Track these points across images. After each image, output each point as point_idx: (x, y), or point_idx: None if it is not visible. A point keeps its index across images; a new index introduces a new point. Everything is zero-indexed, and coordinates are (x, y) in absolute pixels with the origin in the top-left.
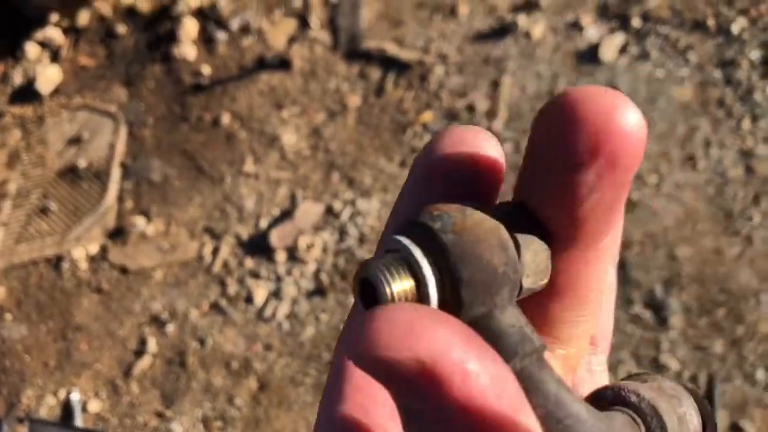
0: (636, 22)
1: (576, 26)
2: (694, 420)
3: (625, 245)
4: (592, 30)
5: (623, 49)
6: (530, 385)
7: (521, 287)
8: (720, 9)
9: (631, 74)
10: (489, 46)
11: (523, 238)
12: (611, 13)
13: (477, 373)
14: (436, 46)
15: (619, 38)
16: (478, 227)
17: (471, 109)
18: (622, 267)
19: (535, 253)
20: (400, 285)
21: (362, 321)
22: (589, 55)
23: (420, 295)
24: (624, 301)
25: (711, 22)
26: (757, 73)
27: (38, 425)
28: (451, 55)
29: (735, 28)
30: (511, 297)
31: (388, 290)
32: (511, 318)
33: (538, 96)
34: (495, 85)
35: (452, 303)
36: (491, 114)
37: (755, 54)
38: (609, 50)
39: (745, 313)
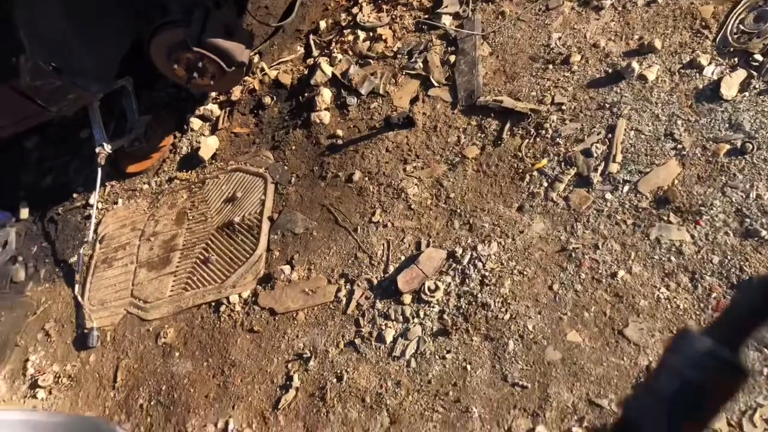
0: (759, 57)
1: (693, 65)
2: None
3: None
4: (711, 68)
5: (746, 85)
6: None
7: None
8: None
9: (755, 110)
10: (603, 91)
11: None
12: (731, 49)
13: None
14: (551, 96)
15: (740, 74)
16: None
17: (587, 153)
18: None
19: None
20: None
21: None
22: (709, 94)
23: None
24: None
25: None
26: None
27: None
28: (566, 103)
29: None
30: None
31: None
32: None
33: (656, 138)
34: (611, 129)
35: None
36: (607, 158)
37: None
38: (730, 87)
39: None
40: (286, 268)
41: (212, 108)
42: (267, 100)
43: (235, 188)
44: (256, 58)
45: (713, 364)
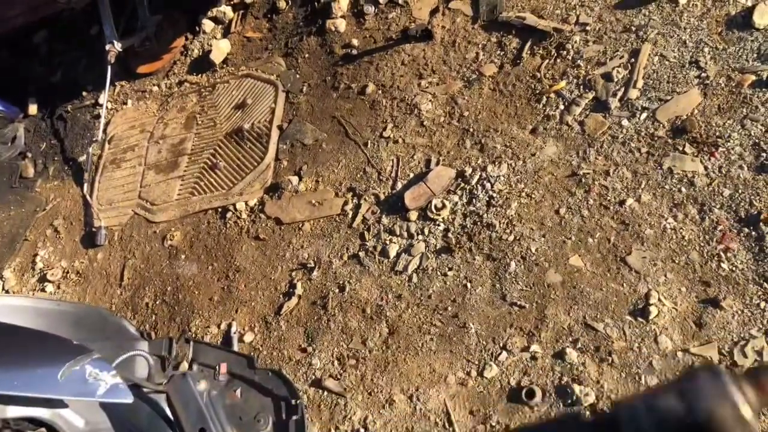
0: None
1: None
2: None
3: None
4: None
5: None
6: None
7: None
8: None
9: None
10: (631, 13)
11: None
12: None
13: None
14: (576, 15)
15: None
16: None
17: (607, 77)
18: (761, 241)
19: None
20: None
21: None
22: (740, 21)
23: None
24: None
25: None
26: None
27: (200, 345)
28: (591, 24)
29: None
30: None
31: None
32: None
33: (681, 65)
34: (635, 53)
35: None
36: (627, 83)
37: None
38: (763, 15)
39: None
40: (294, 179)
41: (225, 10)
42: (281, 4)
43: (245, 95)
44: None
45: (726, 410)
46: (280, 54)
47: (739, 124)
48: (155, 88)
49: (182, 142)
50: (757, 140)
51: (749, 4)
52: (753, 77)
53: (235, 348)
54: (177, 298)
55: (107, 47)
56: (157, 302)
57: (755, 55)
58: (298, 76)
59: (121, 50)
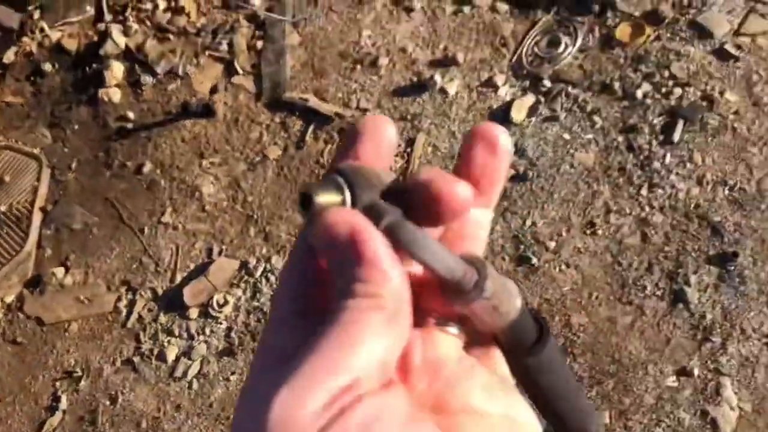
0: (547, 83)
1: (490, 84)
2: (517, 304)
3: None
4: (505, 89)
5: (534, 110)
6: (395, 232)
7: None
8: (626, 72)
9: (538, 136)
10: (407, 101)
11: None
12: (524, 72)
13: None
14: (357, 99)
15: (530, 99)
16: (365, 168)
17: None
18: None
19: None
20: (328, 197)
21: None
22: (502, 115)
23: (342, 203)
24: None
25: (617, 86)
26: (657, 141)
27: None
28: (371, 109)
29: (639, 93)
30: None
31: (320, 200)
32: (381, 204)
33: (450, 156)
34: (410, 143)
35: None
36: (405, 174)
37: (657, 120)
38: (520, 111)
39: (633, 384)
40: (60, 271)
41: None
42: (47, 66)
43: (2, 170)
44: (36, 14)
45: None
46: (45, 124)
47: (501, 217)
48: None
49: None
50: (516, 233)
51: (508, 99)
52: (512, 171)
53: None
54: None
55: None
56: None
57: (513, 150)
58: (66, 150)
59: None
